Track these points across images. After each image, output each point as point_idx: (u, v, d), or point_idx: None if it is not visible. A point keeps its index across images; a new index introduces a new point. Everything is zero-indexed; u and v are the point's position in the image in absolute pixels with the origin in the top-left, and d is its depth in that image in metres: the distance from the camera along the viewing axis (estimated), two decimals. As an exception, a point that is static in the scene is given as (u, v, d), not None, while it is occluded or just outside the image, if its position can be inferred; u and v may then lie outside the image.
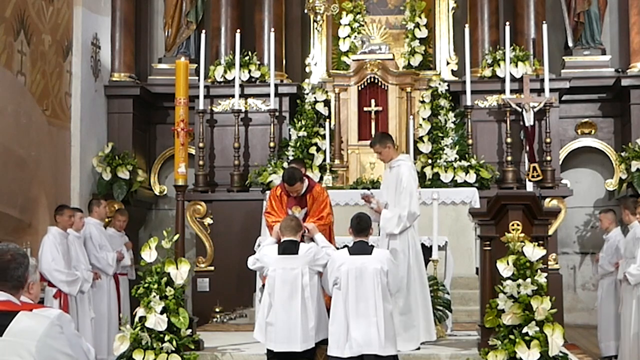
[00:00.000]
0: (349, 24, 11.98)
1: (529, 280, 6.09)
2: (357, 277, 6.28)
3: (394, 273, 6.45)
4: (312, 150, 11.23)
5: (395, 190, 7.16)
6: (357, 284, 6.26)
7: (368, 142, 10.67)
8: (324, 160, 11.21)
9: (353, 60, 11.37)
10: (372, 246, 6.52)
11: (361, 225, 6.46)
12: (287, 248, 6.59)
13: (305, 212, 7.32)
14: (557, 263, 10.95)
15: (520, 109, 11.09)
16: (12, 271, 3.25)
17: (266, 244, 7.02)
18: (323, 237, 7.02)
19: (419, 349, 7.03)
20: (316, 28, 11.52)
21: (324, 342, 6.51)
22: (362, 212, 6.78)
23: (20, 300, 3.33)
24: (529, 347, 5.97)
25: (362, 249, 6.39)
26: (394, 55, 11.50)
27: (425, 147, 11.25)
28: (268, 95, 11.32)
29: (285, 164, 10.71)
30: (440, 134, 11.26)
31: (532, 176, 10.86)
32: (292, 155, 11.00)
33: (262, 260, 6.73)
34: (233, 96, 11.41)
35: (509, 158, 11.16)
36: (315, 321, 6.47)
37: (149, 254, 6.72)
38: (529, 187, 10.84)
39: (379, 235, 7.39)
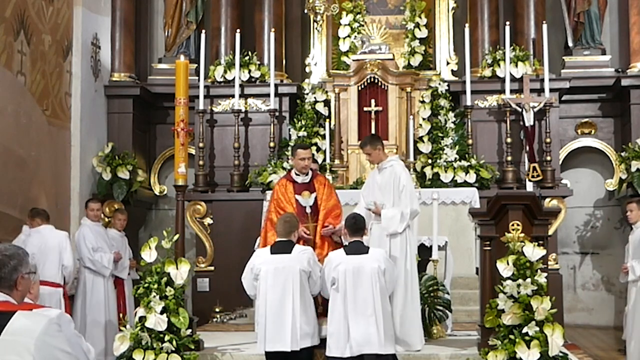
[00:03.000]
0: (349, 24, 11.98)
1: (529, 280, 6.08)
2: (355, 276, 6.28)
3: (391, 272, 6.46)
4: (312, 150, 11.21)
5: (393, 190, 7.11)
6: (355, 283, 6.27)
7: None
8: (324, 160, 11.21)
9: (353, 60, 11.36)
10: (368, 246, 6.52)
11: (357, 225, 6.47)
12: (281, 248, 6.58)
13: (314, 197, 7.34)
14: (557, 263, 10.94)
15: (520, 109, 11.09)
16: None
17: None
18: None
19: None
20: (316, 28, 11.51)
21: (321, 346, 6.49)
22: (357, 212, 6.79)
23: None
24: (529, 347, 5.97)
25: (358, 248, 6.39)
26: (394, 55, 11.49)
27: (425, 147, 11.24)
28: (268, 95, 11.32)
29: (286, 164, 10.73)
30: (440, 134, 11.26)
31: (532, 176, 10.85)
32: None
33: (254, 262, 6.67)
34: (233, 96, 11.41)
35: (509, 158, 11.15)
36: (305, 323, 6.41)
37: (149, 254, 6.72)
38: (529, 187, 10.83)
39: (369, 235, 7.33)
